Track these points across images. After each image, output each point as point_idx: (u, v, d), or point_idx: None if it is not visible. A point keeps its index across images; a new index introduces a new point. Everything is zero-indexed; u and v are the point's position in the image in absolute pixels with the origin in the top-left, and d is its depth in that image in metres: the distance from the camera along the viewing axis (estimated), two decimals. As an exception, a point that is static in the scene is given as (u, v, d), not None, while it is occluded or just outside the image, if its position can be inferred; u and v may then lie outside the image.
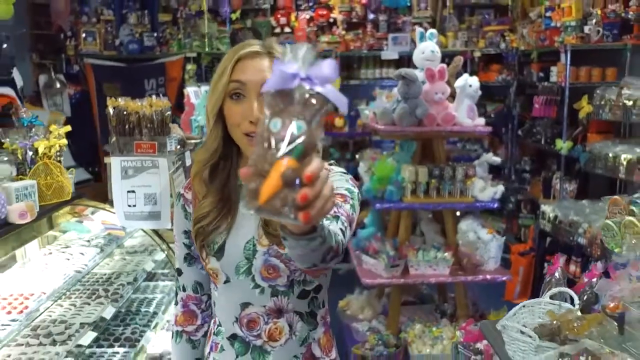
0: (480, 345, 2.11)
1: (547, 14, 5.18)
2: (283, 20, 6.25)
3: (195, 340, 1.46)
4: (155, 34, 6.02)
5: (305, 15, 6.31)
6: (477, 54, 6.22)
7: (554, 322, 1.50)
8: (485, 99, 6.18)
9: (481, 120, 3.51)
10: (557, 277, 1.80)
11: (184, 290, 1.45)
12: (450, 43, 6.26)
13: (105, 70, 5.93)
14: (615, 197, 1.87)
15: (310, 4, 6.39)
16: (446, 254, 3.45)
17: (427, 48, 3.51)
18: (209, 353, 1.40)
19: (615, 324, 1.44)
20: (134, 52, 5.96)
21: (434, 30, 3.63)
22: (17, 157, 2.21)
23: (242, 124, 1.23)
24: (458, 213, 3.62)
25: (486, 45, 6.21)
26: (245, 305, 1.32)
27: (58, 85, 5.65)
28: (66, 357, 2.02)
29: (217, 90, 1.25)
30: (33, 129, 2.29)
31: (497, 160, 3.62)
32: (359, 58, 6.35)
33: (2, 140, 2.23)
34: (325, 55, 5.89)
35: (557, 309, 1.66)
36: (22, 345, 2.06)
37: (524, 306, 1.70)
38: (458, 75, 3.62)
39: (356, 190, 1.29)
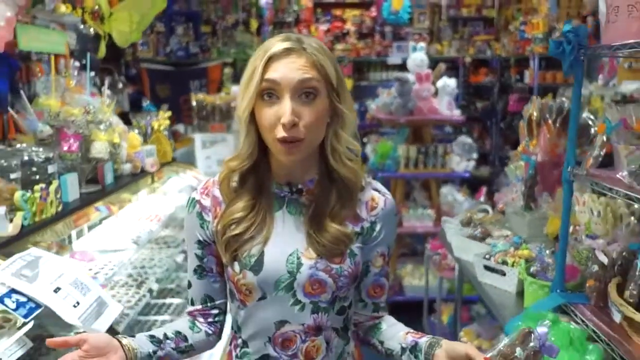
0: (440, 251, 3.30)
1: (522, 27, 6.34)
2: (304, 31, 7.46)
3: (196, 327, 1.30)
4: (198, 43, 7.26)
5: (323, 26, 7.53)
6: (468, 59, 7.38)
7: (470, 216, 2.69)
8: (475, 97, 7.37)
9: (457, 112, 4.68)
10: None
11: (192, 304, 1.28)
12: (446, 50, 7.43)
13: (157, 73, 7.17)
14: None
15: (327, 17, 7.60)
16: (430, 211, 4.62)
17: (418, 57, 4.69)
18: None
19: (503, 217, 2.62)
20: (181, 58, 7.20)
21: (423, 44, 4.81)
22: (142, 130, 3.43)
23: (275, 128, 1.10)
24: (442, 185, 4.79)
25: (475, 52, 7.37)
26: (281, 323, 1.18)
27: (120, 86, 6.90)
28: (179, 254, 3.23)
29: (249, 92, 1.11)
30: (150, 113, 3.52)
31: (468, 141, 4.78)
32: (368, 63, 7.53)
33: (133, 120, 3.45)
34: (339, 60, 7.12)
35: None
36: (149, 249, 3.26)
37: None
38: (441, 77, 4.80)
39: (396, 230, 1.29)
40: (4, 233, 1.82)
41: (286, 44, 1.10)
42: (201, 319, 1.29)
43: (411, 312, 4.22)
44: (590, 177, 1.61)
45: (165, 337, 1.22)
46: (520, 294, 2.07)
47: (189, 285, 1.29)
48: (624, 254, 1.64)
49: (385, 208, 1.24)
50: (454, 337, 3.06)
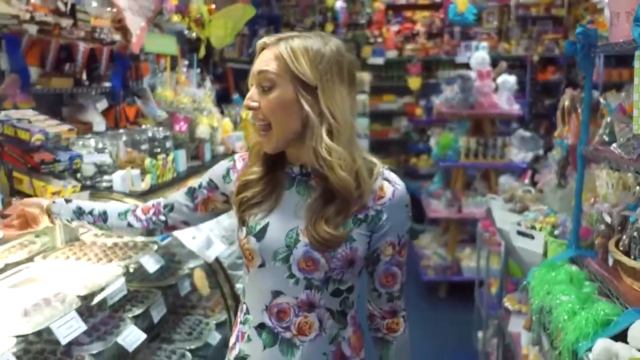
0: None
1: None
2: (376, 32, 7.93)
3: (133, 217, 1.49)
4: (278, 44, 7.86)
5: (394, 27, 7.96)
6: (536, 57, 7.57)
7: (512, 193, 3.08)
8: (542, 95, 7.57)
9: (516, 106, 5.00)
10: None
11: (163, 200, 1.48)
12: (514, 49, 7.65)
13: (241, 72, 7.85)
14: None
15: (398, 19, 8.03)
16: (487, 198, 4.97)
17: (479, 56, 5.04)
18: (235, 343, 1.35)
19: (541, 194, 2.99)
20: (263, 57, 7.82)
21: (485, 44, 5.17)
22: (233, 119, 4.03)
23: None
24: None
25: (544, 50, 7.55)
26: (276, 293, 1.26)
27: (209, 83, 7.65)
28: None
29: None
30: (239, 105, 4.12)
31: (526, 134, 5.08)
32: (437, 62, 7.88)
33: (225, 110, 4.06)
34: (408, 59, 7.54)
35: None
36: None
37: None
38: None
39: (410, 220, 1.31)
40: (139, 188, 2.43)
41: (264, 39, 1.23)
42: (149, 212, 1.47)
43: (466, 289, 4.61)
44: (595, 152, 2.00)
45: (91, 212, 1.51)
46: (546, 254, 2.46)
47: (177, 192, 1.48)
48: (623, 214, 2.02)
49: (394, 198, 1.25)
50: (499, 305, 3.42)
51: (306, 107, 1.18)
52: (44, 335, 1.64)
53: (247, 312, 1.32)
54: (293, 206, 1.26)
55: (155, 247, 2.13)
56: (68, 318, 1.52)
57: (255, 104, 1.21)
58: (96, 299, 1.84)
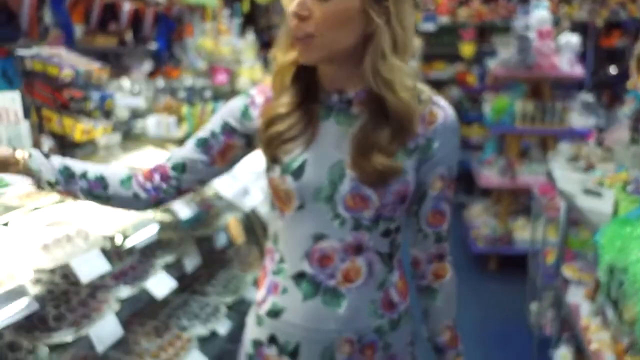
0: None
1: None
2: (429, -4, 7.59)
3: (138, 186, 1.19)
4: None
5: (447, -8, 7.59)
6: (600, 22, 7.08)
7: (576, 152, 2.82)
8: (605, 63, 7.10)
9: (578, 68, 4.65)
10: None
11: (168, 160, 1.20)
12: (576, 13, 7.18)
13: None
14: None
15: (452, -18, 7.65)
16: (545, 167, 4.67)
17: (539, 14, 4.70)
18: (267, 296, 1.19)
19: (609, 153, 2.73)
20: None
21: (546, 2, 4.81)
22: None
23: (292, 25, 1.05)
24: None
25: (609, 14, 7.05)
26: (319, 237, 1.12)
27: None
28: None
29: None
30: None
31: (589, 99, 4.73)
32: (492, 27, 7.49)
33: (269, 65, 3.91)
34: (462, 25, 7.19)
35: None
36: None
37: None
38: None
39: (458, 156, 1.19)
40: (175, 135, 2.32)
41: None
42: (155, 179, 1.18)
43: (517, 262, 4.38)
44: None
45: (84, 175, 1.14)
46: (616, 213, 2.22)
47: (181, 147, 1.21)
48: None
49: (445, 123, 1.14)
50: (555, 276, 3.19)
51: (376, 19, 1.03)
52: (67, 274, 1.55)
53: (282, 261, 1.17)
54: (333, 138, 1.11)
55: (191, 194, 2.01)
56: (91, 256, 1.42)
57: (306, 13, 1.02)
58: (123, 241, 1.74)
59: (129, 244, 1.78)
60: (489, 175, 4.85)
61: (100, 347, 1.41)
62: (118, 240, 1.75)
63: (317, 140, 1.12)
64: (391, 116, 1.08)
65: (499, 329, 3.65)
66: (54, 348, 1.36)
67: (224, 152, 1.18)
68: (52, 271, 1.51)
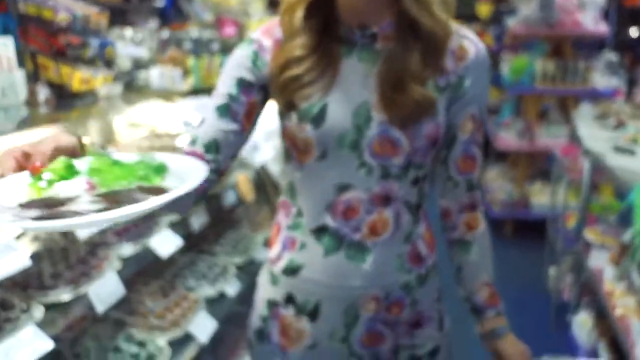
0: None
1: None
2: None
3: None
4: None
5: (464, -52, 7.28)
6: (624, -20, 6.77)
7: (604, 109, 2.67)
8: (629, 22, 6.82)
9: (602, 26, 4.44)
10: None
11: (193, 143, 1.04)
12: (598, -30, 6.88)
13: None
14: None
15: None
16: (565, 129, 4.51)
17: (563, -32, 4.47)
18: (282, 252, 1.11)
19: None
20: None
21: (570, -46, 4.55)
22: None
23: None
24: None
25: (634, -29, 6.73)
26: (343, 188, 1.03)
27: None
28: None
29: None
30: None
31: (613, 58, 4.52)
32: (510, -15, 7.21)
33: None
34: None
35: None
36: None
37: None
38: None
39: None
40: (181, 89, 2.19)
41: None
42: None
43: (534, 228, 4.26)
44: None
45: None
46: (650, 172, 2.08)
47: (200, 123, 1.05)
48: None
49: (477, 59, 1.04)
50: (576, 239, 3.08)
51: None
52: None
53: (299, 215, 1.07)
54: (357, 78, 1.01)
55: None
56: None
57: None
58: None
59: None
60: (507, 138, 4.70)
61: (100, 307, 1.32)
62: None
63: (338, 81, 1.01)
64: (424, 40, 0.98)
65: (515, 295, 3.54)
66: (50, 307, 1.28)
67: (249, 114, 1.05)
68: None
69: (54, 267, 1.37)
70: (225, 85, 1.04)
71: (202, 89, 2.33)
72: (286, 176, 1.11)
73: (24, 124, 1.58)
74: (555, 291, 3.38)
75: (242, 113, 1.04)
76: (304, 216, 1.06)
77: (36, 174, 0.79)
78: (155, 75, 2.09)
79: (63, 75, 1.76)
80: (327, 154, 1.02)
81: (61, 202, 0.73)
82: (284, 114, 1.04)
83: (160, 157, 0.86)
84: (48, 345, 1.15)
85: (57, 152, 0.80)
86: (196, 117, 1.01)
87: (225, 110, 1.03)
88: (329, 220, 1.04)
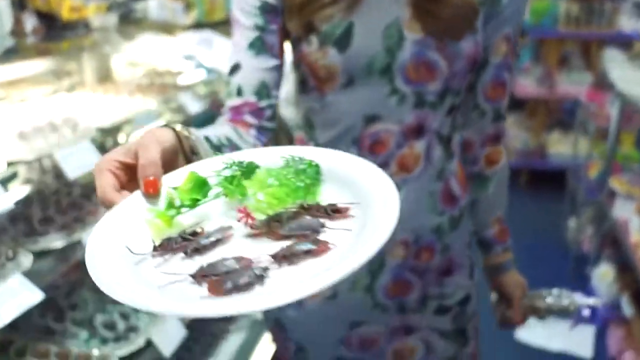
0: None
1: None
2: None
3: (250, 137, 0.91)
4: None
5: None
6: None
7: None
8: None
9: (633, -37, 4.15)
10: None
11: (240, 94, 0.91)
12: None
13: None
14: None
15: None
16: (587, 75, 4.29)
17: None
18: None
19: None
20: None
21: None
22: None
23: None
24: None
25: None
26: (371, 120, 0.93)
27: None
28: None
29: None
30: None
31: (642, -1, 4.26)
32: None
33: None
34: None
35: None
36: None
37: None
38: None
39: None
40: (182, 22, 2.02)
41: None
42: (248, 121, 0.90)
43: (550, 179, 4.12)
44: None
45: (221, 143, 0.80)
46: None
47: (236, 68, 0.91)
48: None
49: None
50: (599, 189, 2.94)
51: None
52: (59, 174, 1.32)
53: None
54: None
55: (201, 87, 1.75)
56: (80, 148, 1.18)
57: None
58: (122, 135, 1.50)
59: (128, 134, 1.54)
60: (525, 84, 4.49)
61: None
62: (115, 132, 1.51)
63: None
64: None
65: (532, 247, 3.44)
66: (40, 255, 1.16)
67: (281, 43, 0.93)
68: (36, 166, 1.29)
69: (44, 211, 1.25)
70: (247, 16, 0.91)
71: (206, 23, 2.16)
72: (301, 109, 0.99)
73: (10, 55, 1.44)
74: (575, 243, 3.26)
75: (277, 44, 0.92)
76: None
77: (154, 193, 0.60)
78: (153, 6, 1.91)
79: (51, 3, 1.60)
80: (353, 81, 0.90)
81: (214, 243, 0.56)
82: (301, 38, 0.91)
83: (296, 151, 0.67)
84: (36, 296, 1.04)
85: (163, 156, 0.63)
86: (226, 63, 0.85)
87: (260, 46, 0.91)
88: (355, 154, 0.91)
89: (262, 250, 0.55)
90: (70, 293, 1.36)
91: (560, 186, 3.77)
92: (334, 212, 0.59)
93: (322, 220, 0.58)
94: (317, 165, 0.65)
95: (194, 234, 0.58)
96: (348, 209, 0.59)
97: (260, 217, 0.59)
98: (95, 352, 1.23)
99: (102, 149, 1.35)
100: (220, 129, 0.84)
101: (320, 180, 0.65)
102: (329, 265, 0.51)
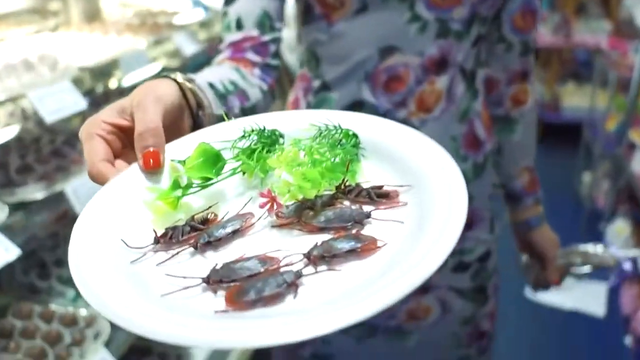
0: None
1: None
2: None
3: (255, 77, 0.78)
4: None
5: None
6: None
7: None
8: None
9: None
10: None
11: (239, 27, 0.78)
12: None
13: None
14: None
15: None
16: (606, 23, 4.08)
17: None
18: None
19: None
20: None
21: None
22: None
23: None
24: None
25: None
26: (387, 51, 0.81)
27: None
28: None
29: None
30: None
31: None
32: None
33: None
34: None
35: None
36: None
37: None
38: None
39: None
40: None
41: None
42: (252, 59, 0.78)
43: (564, 132, 3.97)
44: None
45: (227, 90, 0.69)
46: None
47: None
48: None
49: None
50: (617, 142, 2.81)
51: None
52: (39, 120, 1.20)
53: (325, 89, 0.85)
54: None
55: (199, 28, 1.61)
56: (58, 89, 1.05)
57: None
58: (113, 80, 1.37)
59: (125, 82, 1.40)
60: (541, 33, 4.28)
61: (80, 207, 1.10)
62: (99, 72, 1.37)
63: None
64: None
65: (543, 201, 3.34)
66: (16, 207, 1.05)
67: None
68: (17, 112, 1.17)
69: (22, 159, 1.13)
70: None
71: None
72: (305, 42, 0.87)
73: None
74: (588, 199, 3.15)
75: None
76: (333, 90, 0.84)
77: (155, 168, 0.49)
78: None
79: None
80: (367, 6, 0.79)
81: (230, 235, 0.44)
82: None
83: (327, 116, 0.55)
84: (12, 253, 0.93)
85: (166, 118, 0.52)
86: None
87: None
88: (367, 95, 0.83)
89: (292, 246, 0.43)
90: (54, 248, 1.26)
91: (575, 140, 3.63)
92: (380, 197, 0.47)
93: (365, 208, 0.46)
94: (355, 136, 0.53)
95: (205, 221, 0.47)
96: (397, 193, 0.47)
97: (289, 202, 0.47)
98: (83, 312, 1.14)
99: (91, 95, 1.22)
100: (222, 72, 0.72)
101: (360, 156, 0.53)
102: (381, 271, 0.39)
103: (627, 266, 2.02)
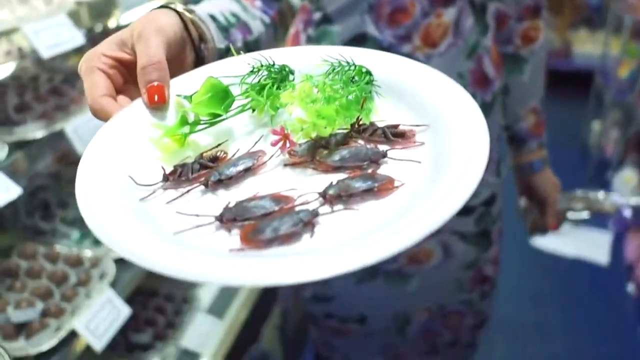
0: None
1: None
2: None
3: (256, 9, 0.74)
4: None
5: None
6: None
7: None
8: None
9: None
10: None
11: None
12: None
13: None
14: None
15: None
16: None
17: None
18: None
19: None
20: None
21: None
22: None
23: None
24: None
25: None
26: None
27: None
28: None
29: None
30: None
31: None
32: None
33: None
34: None
35: None
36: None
37: None
38: None
39: None
40: None
41: None
42: None
43: (578, 80, 3.89)
44: None
45: (228, 23, 0.66)
46: None
47: None
48: None
49: None
50: (630, 89, 2.75)
51: None
52: (39, 59, 1.16)
53: (327, 21, 0.80)
54: None
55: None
56: (54, 23, 1.00)
57: None
58: (112, 20, 1.31)
59: (124, 21, 1.35)
60: (553, -24, 4.15)
61: (81, 146, 1.07)
62: (112, 21, 1.32)
63: None
64: None
65: (549, 150, 3.31)
66: (16, 146, 1.03)
67: None
68: (14, 50, 1.12)
69: (20, 97, 1.10)
70: None
71: None
72: None
73: None
74: (597, 147, 3.11)
75: None
76: (334, 23, 0.80)
77: (160, 103, 0.47)
78: None
79: None
80: None
81: (241, 173, 0.42)
82: None
83: (339, 52, 0.52)
84: (13, 192, 0.91)
85: (168, 51, 0.49)
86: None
87: None
88: (370, 28, 0.79)
89: (306, 185, 0.42)
90: (58, 190, 1.24)
91: (585, 88, 3.56)
92: (396, 136, 0.45)
93: (381, 147, 0.44)
94: (368, 72, 0.51)
95: (215, 159, 0.45)
96: (414, 132, 0.45)
97: (302, 140, 0.46)
98: (88, 253, 1.13)
99: (90, 33, 1.17)
100: (222, 3, 0.68)
101: (375, 94, 0.50)
102: (399, 212, 0.38)
103: (627, 213, 2.01)
